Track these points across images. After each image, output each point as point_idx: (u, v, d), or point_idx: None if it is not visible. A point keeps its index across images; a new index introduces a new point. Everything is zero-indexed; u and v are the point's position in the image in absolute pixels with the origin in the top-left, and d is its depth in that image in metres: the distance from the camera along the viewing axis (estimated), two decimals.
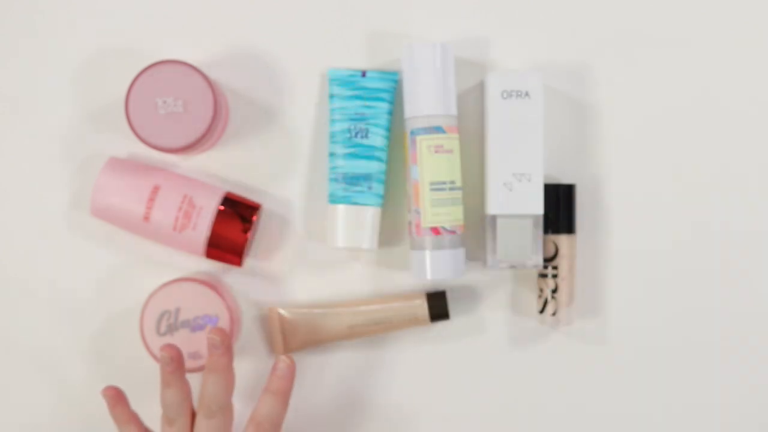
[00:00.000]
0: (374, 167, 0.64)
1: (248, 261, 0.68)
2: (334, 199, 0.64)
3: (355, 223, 0.64)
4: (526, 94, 0.63)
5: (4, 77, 0.68)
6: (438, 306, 0.66)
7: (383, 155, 0.65)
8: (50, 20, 0.68)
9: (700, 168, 0.68)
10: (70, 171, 0.68)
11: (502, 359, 0.68)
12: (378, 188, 0.64)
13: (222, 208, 0.64)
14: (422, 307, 0.66)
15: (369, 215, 0.64)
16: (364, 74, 0.64)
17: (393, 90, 0.65)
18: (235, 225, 0.65)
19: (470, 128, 0.67)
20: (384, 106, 0.64)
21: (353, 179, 0.64)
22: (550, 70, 0.67)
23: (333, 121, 0.64)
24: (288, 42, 0.68)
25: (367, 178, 0.64)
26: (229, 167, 0.68)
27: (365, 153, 0.64)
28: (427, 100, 0.63)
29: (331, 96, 0.65)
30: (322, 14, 0.68)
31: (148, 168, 0.66)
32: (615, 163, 0.68)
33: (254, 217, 0.65)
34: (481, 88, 0.67)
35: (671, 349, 0.68)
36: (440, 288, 0.68)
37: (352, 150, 0.64)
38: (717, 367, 0.68)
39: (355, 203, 0.64)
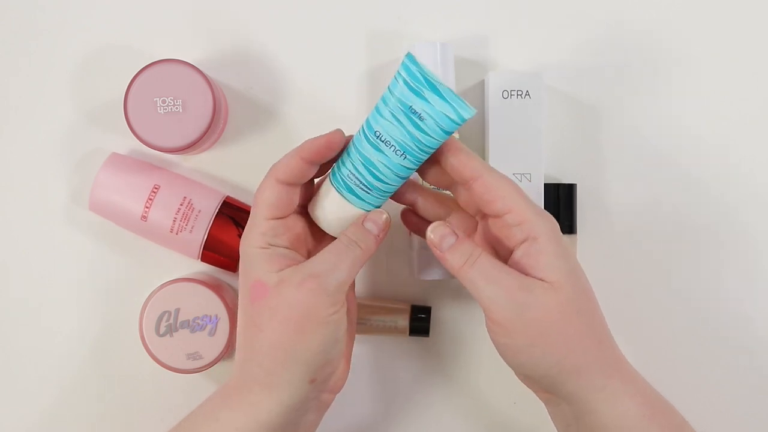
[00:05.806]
0: (397, 183, 0.55)
1: None
2: (341, 188, 0.55)
3: (346, 217, 0.55)
4: (527, 94, 0.63)
5: (4, 75, 0.68)
6: (420, 320, 0.66)
7: (412, 172, 0.55)
8: (50, 19, 0.67)
9: (701, 168, 0.68)
10: (69, 170, 0.67)
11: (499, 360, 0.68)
12: (390, 192, 0.56)
13: (221, 212, 0.64)
14: (404, 318, 0.66)
15: (361, 214, 0.55)
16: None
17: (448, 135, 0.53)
18: (232, 230, 0.64)
19: (471, 128, 0.66)
20: (435, 145, 0.53)
21: (369, 186, 0.54)
22: (550, 70, 0.67)
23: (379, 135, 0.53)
24: (288, 42, 0.67)
25: (383, 191, 0.55)
26: (228, 167, 0.68)
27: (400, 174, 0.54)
28: None
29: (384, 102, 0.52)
30: (321, 14, 0.67)
31: (150, 166, 0.65)
32: (615, 163, 0.68)
33: None
34: (481, 87, 0.67)
35: (672, 349, 0.68)
36: (442, 290, 0.68)
37: (381, 162, 0.54)
38: (718, 366, 0.68)
39: (361, 209, 0.55)
